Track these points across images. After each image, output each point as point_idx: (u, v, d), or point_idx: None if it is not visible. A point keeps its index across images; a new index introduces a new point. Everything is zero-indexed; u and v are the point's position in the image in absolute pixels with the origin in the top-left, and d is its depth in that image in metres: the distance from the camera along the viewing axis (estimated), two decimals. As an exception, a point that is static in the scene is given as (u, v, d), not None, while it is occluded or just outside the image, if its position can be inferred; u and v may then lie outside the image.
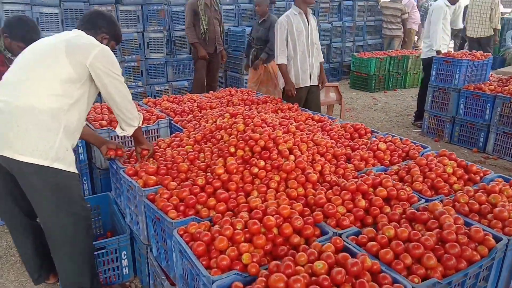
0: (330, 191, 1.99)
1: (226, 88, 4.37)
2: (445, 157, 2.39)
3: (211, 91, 5.23)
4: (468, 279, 1.56)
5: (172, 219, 1.84)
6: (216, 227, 1.71)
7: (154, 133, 3.21)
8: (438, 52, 5.04)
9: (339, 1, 8.43)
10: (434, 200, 2.02)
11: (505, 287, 1.83)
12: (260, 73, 5.49)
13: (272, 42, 4.40)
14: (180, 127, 3.06)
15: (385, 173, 2.32)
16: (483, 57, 4.66)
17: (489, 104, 4.29)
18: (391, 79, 7.69)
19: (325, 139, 2.54)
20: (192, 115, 3.30)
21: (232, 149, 2.28)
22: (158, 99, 3.93)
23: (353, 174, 2.24)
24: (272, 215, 1.74)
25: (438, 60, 4.77)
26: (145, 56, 6.26)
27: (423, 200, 2.01)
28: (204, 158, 2.34)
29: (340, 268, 1.41)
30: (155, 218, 1.99)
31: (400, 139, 2.77)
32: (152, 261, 2.16)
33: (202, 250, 1.58)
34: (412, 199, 1.99)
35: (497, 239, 1.67)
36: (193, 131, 2.75)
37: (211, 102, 3.70)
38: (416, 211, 1.83)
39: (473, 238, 1.65)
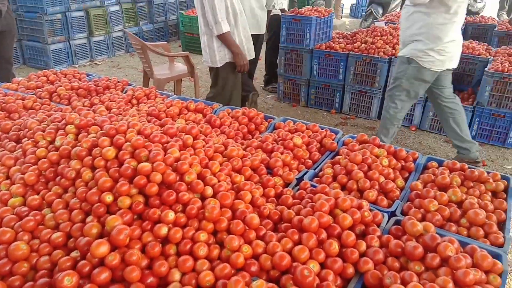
0: (285, 238, 1.34)
1: (40, 72, 3.04)
2: (371, 144, 2.02)
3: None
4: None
5: None
6: None
7: None
8: (282, 10, 4.72)
9: (153, -51, 7.26)
10: (393, 210, 1.62)
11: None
12: None
13: None
14: (-17, 155, 1.83)
15: (319, 179, 1.81)
16: (327, 13, 4.55)
17: (342, 64, 4.24)
18: (225, 39, 7.21)
19: (236, 147, 1.81)
20: (-2, 126, 2.05)
21: (109, 198, 1.35)
22: None
23: (289, 193, 1.64)
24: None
25: (286, 19, 4.44)
26: None
27: (386, 215, 1.57)
28: (56, 221, 1.33)
29: None
30: None
31: (305, 123, 2.28)
32: None
33: None
34: (376, 217, 1.53)
35: (495, 256, 1.36)
36: (14, 165, 1.61)
37: (24, 100, 2.43)
38: (401, 242, 1.37)
39: (480, 267, 1.29)
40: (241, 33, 3.03)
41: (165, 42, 4.53)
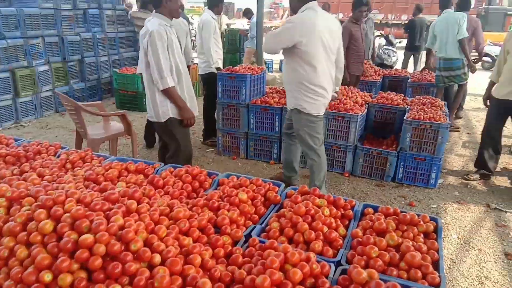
0: (238, 300, 1.33)
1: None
2: (312, 195, 2.11)
3: None
4: None
5: None
6: None
7: None
8: (218, 68, 4.91)
9: (83, 9, 7.29)
10: (338, 260, 1.68)
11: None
12: None
13: None
14: None
15: (266, 234, 1.84)
16: (260, 70, 4.81)
17: (277, 117, 4.45)
18: (161, 95, 7.25)
19: (182, 208, 1.79)
20: None
21: (48, 276, 1.25)
22: None
23: (239, 252, 1.64)
24: None
25: (222, 76, 4.62)
26: None
27: (332, 265, 1.62)
28: (-13, 309, 1.21)
29: None
30: None
31: (248, 178, 2.34)
32: None
33: None
34: (324, 269, 1.58)
35: (434, 296, 1.46)
36: None
37: None
38: (350, 291, 1.42)
39: (423, 308, 1.37)
40: (185, 91, 3.10)
41: (100, 101, 4.45)
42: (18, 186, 1.69)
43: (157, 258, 1.41)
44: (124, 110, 4.68)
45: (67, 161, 2.50)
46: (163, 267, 1.36)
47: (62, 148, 2.80)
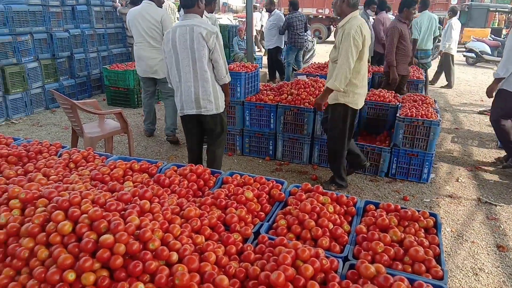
0: (255, 296, 1.38)
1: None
2: (315, 193, 2.17)
3: None
4: None
5: None
6: None
7: None
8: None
9: (71, 5, 7.19)
10: (344, 256, 1.75)
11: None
12: None
13: None
14: None
15: (274, 231, 1.89)
16: (254, 68, 4.85)
17: (272, 114, 4.50)
18: (152, 92, 7.22)
19: (192, 207, 1.83)
20: None
21: (71, 275, 1.28)
22: None
23: (250, 249, 1.69)
24: None
25: (216, 74, 4.63)
26: None
27: (340, 261, 1.69)
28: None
29: None
30: None
31: (252, 176, 2.38)
32: None
33: None
34: (333, 264, 1.64)
35: (438, 288, 1.54)
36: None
37: None
38: (359, 286, 1.48)
39: (429, 301, 1.45)
40: None
41: (94, 100, 4.42)
42: (30, 187, 1.71)
43: (175, 256, 1.45)
44: (119, 108, 4.66)
45: (70, 160, 2.51)
46: (181, 265, 1.40)
47: (63, 147, 2.80)
